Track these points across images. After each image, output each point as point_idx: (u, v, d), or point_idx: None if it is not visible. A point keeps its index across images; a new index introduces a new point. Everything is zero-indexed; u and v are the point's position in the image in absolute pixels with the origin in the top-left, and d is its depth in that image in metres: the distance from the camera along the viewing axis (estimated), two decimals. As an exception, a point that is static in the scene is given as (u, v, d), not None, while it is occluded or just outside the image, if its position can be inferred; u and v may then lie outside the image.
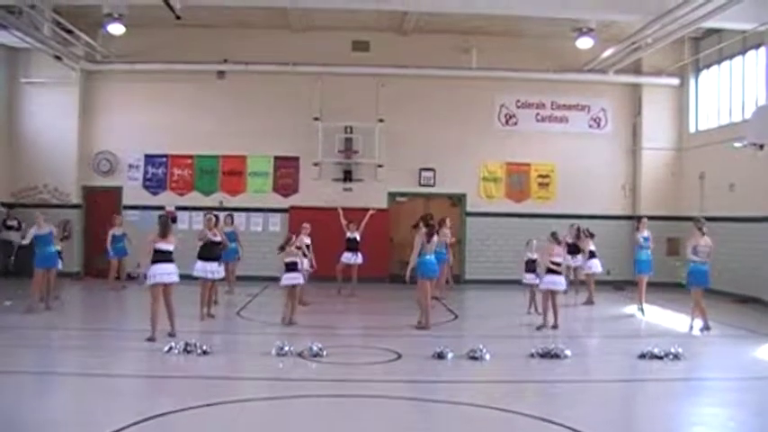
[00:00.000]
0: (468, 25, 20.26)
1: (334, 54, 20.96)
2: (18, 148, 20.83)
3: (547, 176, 21.98)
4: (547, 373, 10.12)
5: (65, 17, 18.70)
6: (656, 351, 10.77)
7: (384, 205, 21.21)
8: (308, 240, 16.26)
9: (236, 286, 17.74)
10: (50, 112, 20.75)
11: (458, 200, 21.83)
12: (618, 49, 19.56)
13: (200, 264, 13.68)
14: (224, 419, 7.65)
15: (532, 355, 10.74)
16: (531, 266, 15.06)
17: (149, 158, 21.45)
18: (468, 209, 21.73)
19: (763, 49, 18.09)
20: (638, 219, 17.11)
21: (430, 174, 21.67)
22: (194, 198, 21.34)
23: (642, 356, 10.77)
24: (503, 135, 21.90)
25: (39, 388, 8.67)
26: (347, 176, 21.26)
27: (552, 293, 13.26)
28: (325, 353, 10.42)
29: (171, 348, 10.49)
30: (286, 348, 10.45)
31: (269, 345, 10.67)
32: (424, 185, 21.68)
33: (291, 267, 13.55)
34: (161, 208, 20.14)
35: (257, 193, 21.56)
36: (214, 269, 13.78)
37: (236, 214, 20.52)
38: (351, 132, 21.07)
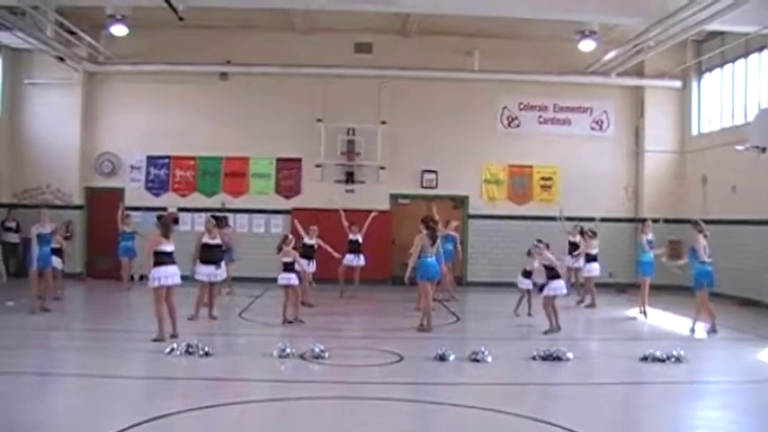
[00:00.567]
0: (471, 27, 20.26)
1: (336, 56, 20.98)
2: (21, 149, 20.86)
3: (549, 179, 21.97)
4: (548, 376, 10.12)
5: (67, 18, 18.72)
6: (658, 354, 10.77)
7: (386, 207, 21.22)
8: (310, 241, 16.29)
9: (235, 287, 17.80)
10: (53, 113, 20.78)
11: (460, 202, 21.83)
12: (620, 51, 19.55)
13: (200, 267, 13.76)
14: (226, 421, 7.65)
15: (534, 358, 10.73)
16: (527, 273, 15.13)
17: (152, 160, 21.46)
18: (471, 211, 21.72)
19: (766, 52, 18.09)
20: (643, 221, 17.08)
21: (432, 176, 21.67)
22: (196, 199, 21.35)
23: (644, 359, 10.76)
24: (505, 137, 21.90)
25: (40, 389, 8.67)
26: (349, 178, 21.27)
27: (553, 298, 13.25)
28: (326, 355, 10.42)
29: (173, 350, 10.48)
30: (288, 350, 10.46)
31: (271, 346, 10.68)
32: (426, 187, 21.68)
33: (288, 267, 13.61)
34: (163, 209, 20.14)
35: (259, 195, 21.57)
36: (210, 272, 13.81)
37: (238, 216, 20.63)
38: (353, 134, 21.08)
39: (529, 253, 14.87)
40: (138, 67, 20.84)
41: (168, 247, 11.64)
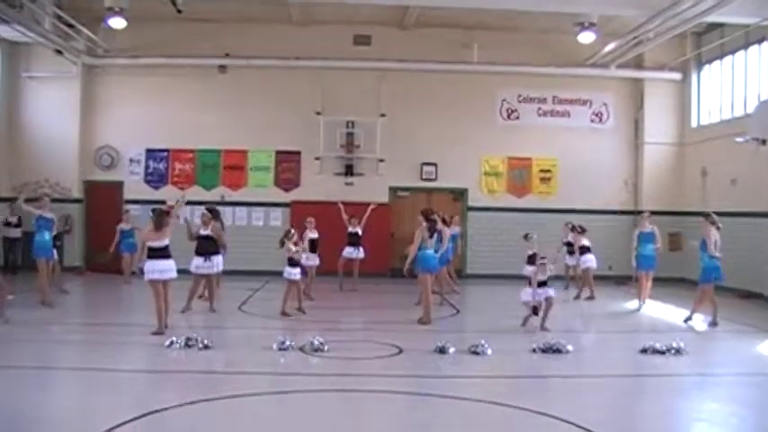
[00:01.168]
0: (470, 20, 20.21)
1: (335, 48, 20.92)
2: (19, 143, 20.80)
3: (548, 171, 21.95)
4: (548, 368, 10.12)
5: (66, 11, 18.69)
6: (657, 346, 10.77)
7: (385, 200, 21.20)
8: (313, 235, 16.23)
9: (235, 281, 17.83)
10: (51, 106, 20.74)
11: (459, 194, 21.81)
12: (620, 43, 19.51)
13: (193, 259, 13.90)
14: (225, 414, 7.65)
15: (534, 350, 10.73)
16: (531, 260, 14.97)
17: (150, 153, 21.44)
18: (470, 203, 21.72)
19: (765, 43, 18.05)
20: (638, 213, 16.97)
21: (431, 168, 21.64)
22: (196, 192, 21.23)
23: (644, 351, 10.77)
24: (504, 130, 21.88)
25: (39, 383, 8.67)
26: (348, 171, 21.24)
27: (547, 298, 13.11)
28: (326, 347, 10.42)
29: (172, 343, 10.49)
30: (287, 343, 10.46)
31: (270, 339, 10.69)
32: (425, 180, 21.67)
33: (292, 262, 13.65)
34: (162, 202, 20.07)
35: (259, 188, 21.55)
36: (199, 264, 13.86)
37: (237, 209, 20.62)
38: (352, 127, 21.05)
39: (525, 237, 14.87)
40: (136, 60, 20.77)
41: (160, 242, 11.59)
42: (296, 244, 13.94)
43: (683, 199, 21.21)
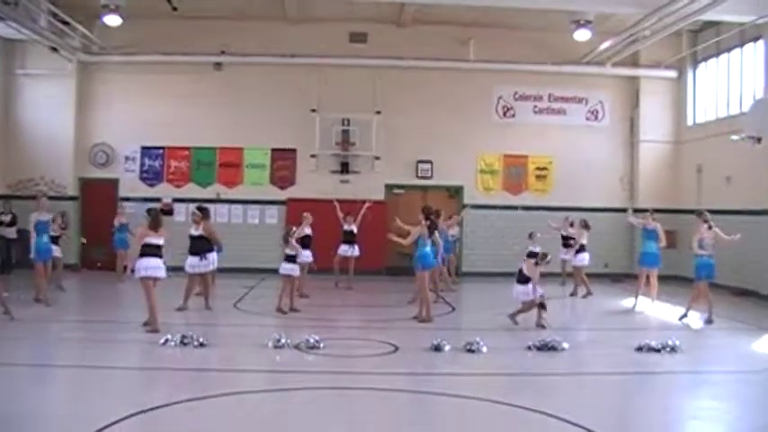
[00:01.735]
0: (467, 17, 20.21)
1: (331, 46, 20.91)
2: (14, 140, 20.74)
3: (544, 169, 21.97)
4: (544, 366, 10.12)
5: (61, 8, 18.63)
6: (653, 344, 10.78)
7: (381, 197, 21.19)
8: (307, 231, 16.17)
9: (230, 278, 17.79)
10: (47, 103, 20.67)
11: (455, 192, 21.81)
12: (615, 41, 19.52)
13: (187, 258, 13.94)
14: (220, 412, 7.64)
15: (529, 348, 10.74)
16: (532, 256, 14.97)
17: (146, 150, 21.40)
18: (466, 201, 21.69)
19: (761, 41, 18.05)
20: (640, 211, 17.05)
21: (427, 166, 21.64)
22: (191, 190, 21.29)
23: (639, 349, 10.77)
24: (500, 127, 21.88)
25: (35, 380, 8.67)
26: (344, 168, 21.23)
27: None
28: (321, 345, 10.41)
29: (167, 340, 10.47)
30: (283, 340, 10.45)
31: (266, 337, 10.67)
32: (421, 177, 21.66)
33: (290, 258, 13.68)
34: (158, 200, 20.11)
35: (254, 186, 21.53)
36: (194, 263, 13.87)
37: (233, 206, 20.61)
38: (348, 124, 21.04)
39: (530, 236, 14.85)
40: (132, 58, 20.75)
41: (156, 239, 11.60)
42: (297, 240, 14.08)
43: (679, 196, 21.22)
